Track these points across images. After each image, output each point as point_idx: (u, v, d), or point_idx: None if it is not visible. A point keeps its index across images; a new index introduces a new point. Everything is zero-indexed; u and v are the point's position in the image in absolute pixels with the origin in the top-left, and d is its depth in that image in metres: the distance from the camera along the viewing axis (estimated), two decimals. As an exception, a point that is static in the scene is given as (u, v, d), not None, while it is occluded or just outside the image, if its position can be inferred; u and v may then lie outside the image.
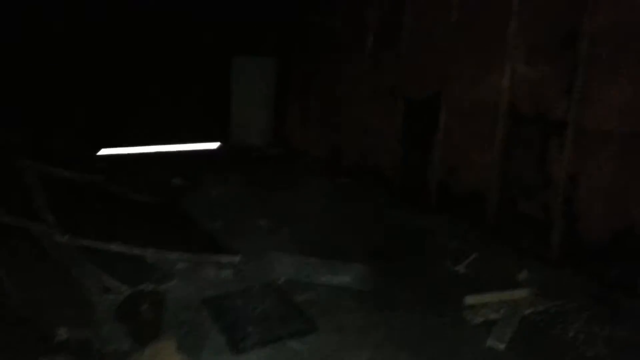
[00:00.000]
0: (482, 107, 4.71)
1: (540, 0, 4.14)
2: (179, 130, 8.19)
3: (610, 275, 3.65)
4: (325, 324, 3.24)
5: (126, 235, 4.16)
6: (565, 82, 3.96)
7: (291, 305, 3.45)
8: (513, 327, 3.23)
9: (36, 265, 3.71)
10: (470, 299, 3.53)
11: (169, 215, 5.11)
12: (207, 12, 7.98)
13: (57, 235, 3.99)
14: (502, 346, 3.06)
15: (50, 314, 3.09)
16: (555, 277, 3.87)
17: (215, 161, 7.80)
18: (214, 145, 8.65)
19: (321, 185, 6.48)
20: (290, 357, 2.93)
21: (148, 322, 3.12)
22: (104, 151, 7.55)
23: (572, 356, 2.99)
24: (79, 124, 7.19)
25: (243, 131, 8.72)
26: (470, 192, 4.90)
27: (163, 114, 7.96)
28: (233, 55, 8.42)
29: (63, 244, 3.92)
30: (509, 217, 4.51)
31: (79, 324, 3.04)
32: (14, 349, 2.77)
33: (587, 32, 3.75)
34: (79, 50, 7.05)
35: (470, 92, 4.85)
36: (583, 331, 3.21)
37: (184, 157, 7.99)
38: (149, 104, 7.81)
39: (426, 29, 5.34)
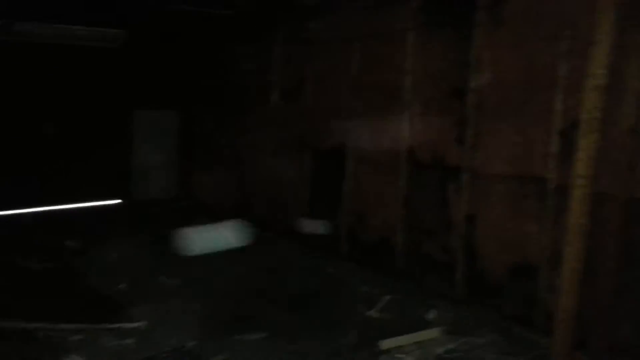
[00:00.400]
0: (385, 156, 4.94)
1: (430, 60, 4.51)
2: (76, 188, 7.65)
3: (510, 308, 3.88)
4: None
5: (14, 308, 3.75)
6: (458, 131, 4.29)
7: (204, 369, 3.25)
8: (428, 369, 3.30)
9: None
10: (385, 344, 3.56)
11: (64, 282, 4.68)
12: (107, 64, 7.73)
13: None
14: (419, 389, 3.09)
15: None
16: (462, 314, 4.04)
17: (116, 219, 7.35)
18: (114, 202, 8.18)
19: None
20: None
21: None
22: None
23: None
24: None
25: (145, 185, 8.37)
26: (379, 237, 5.04)
27: (58, 170, 7.43)
28: (134, 109, 8.17)
29: None
30: (415, 259, 4.68)
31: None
32: None
33: (474, 88, 4.13)
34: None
35: (373, 142, 5.08)
36: (492, 365, 3.36)
37: (81, 216, 7.45)
38: (42, 160, 7.26)
39: (329, 83, 5.58)
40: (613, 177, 3.18)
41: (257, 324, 3.88)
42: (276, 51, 6.31)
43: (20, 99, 6.98)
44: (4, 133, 6.88)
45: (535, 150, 3.76)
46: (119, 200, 8.20)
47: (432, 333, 3.72)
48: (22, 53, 6.81)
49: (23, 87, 6.96)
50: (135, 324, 3.80)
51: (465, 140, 4.22)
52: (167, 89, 8.32)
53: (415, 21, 4.61)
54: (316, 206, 5.83)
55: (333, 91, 5.53)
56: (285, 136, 6.25)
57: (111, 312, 4.00)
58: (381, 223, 5.01)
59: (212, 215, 7.29)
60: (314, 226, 5.73)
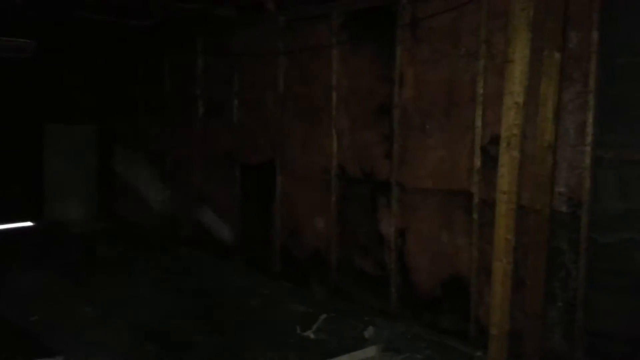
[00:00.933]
0: (315, 171, 4.91)
1: (355, 76, 4.52)
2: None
3: (446, 323, 3.95)
4: None
5: None
6: (385, 146, 4.33)
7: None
8: (367, 390, 3.27)
9: None
10: (323, 366, 3.51)
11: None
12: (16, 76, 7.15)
13: None
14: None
15: None
16: (399, 330, 4.05)
17: (28, 243, 6.79)
18: (26, 224, 7.56)
19: (157, 259, 6.05)
20: None
21: None
22: None
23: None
24: None
25: (61, 205, 7.82)
26: (312, 254, 4.99)
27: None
28: (45, 122, 7.61)
29: None
30: (350, 276, 4.67)
31: None
32: None
33: (398, 104, 4.19)
34: None
35: (303, 157, 5.03)
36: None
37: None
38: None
39: (256, 97, 5.47)
40: (535, 191, 3.32)
41: (190, 351, 3.71)
42: (199, 64, 6.11)
43: None
44: None
45: (460, 165, 3.86)
46: (31, 223, 7.60)
47: (369, 352, 3.71)
48: None
49: None
50: (54, 359, 3.51)
51: (393, 154, 4.27)
52: (85, 102, 7.86)
53: (339, 38, 4.62)
54: (248, 223, 5.69)
55: (260, 105, 5.42)
56: (214, 152, 6.06)
57: (26, 346, 3.68)
58: (314, 240, 4.96)
59: (134, 236, 6.95)
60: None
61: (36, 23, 5.74)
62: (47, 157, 7.73)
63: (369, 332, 4.02)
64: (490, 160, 3.65)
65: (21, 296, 4.69)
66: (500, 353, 3.16)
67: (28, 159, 7.56)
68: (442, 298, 3.97)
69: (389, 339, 3.90)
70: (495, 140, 3.61)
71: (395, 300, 4.28)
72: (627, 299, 3.14)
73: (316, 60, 4.82)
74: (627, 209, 3.14)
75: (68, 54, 7.37)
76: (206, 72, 6.07)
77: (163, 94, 6.68)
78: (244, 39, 5.53)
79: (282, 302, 4.71)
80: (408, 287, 4.22)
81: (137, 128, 7.28)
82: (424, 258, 4.11)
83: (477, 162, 3.74)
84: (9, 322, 4.12)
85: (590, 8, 3.18)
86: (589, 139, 3.24)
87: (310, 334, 4.08)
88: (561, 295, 3.32)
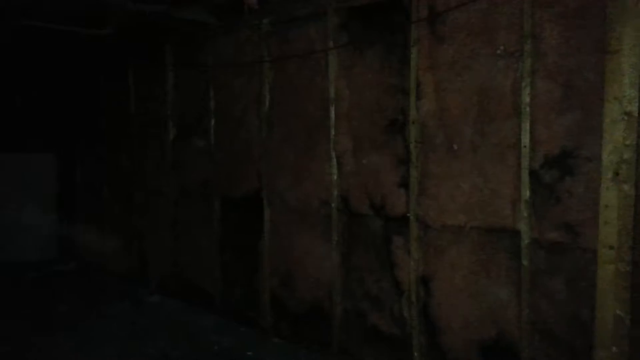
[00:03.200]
0: (312, 204, 4.01)
1: (359, 87, 3.67)
2: None
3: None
4: None
5: None
6: (400, 172, 3.47)
7: None
8: None
9: None
10: None
11: None
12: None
13: None
14: None
15: None
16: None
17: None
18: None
19: (122, 311, 5.05)
20: None
21: None
22: None
23: None
24: None
25: (14, 245, 6.81)
26: (311, 305, 4.06)
27: None
28: (-6, 153, 6.68)
29: None
30: (359, 334, 3.75)
31: None
32: None
33: (415, 119, 3.34)
34: None
35: (296, 187, 4.13)
36: None
37: None
38: None
39: (237, 116, 4.58)
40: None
41: None
42: (169, 78, 5.23)
43: None
44: None
45: (501, 195, 3.01)
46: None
47: None
48: None
49: None
50: None
51: (410, 183, 3.40)
52: (41, 127, 6.93)
53: (337, 40, 3.77)
54: (230, 267, 4.75)
55: (243, 126, 4.54)
56: (188, 182, 5.14)
57: None
58: (314, 288, 4.04)
59: (97, 282, 5.97)
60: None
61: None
62: None
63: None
64: (545, 189, 2.81)
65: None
66: None
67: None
68: (488, 370, 3.08)
69: None
70: (552, 162, 2.78)
71: (421, 369, 3.37)
72: None
73: (310, 69, 3.97)
74: None
75: (21, 71, 6.46)
76: (177, 87, 5.20)
77: (128, 115, 5.77)
78: (221, 47, 4.67)
79: (274, 369, 3.78)
80: (436, 351, 3.31)
81: (99, 155, 6.35)
82: (456, 314, 3.21)
83: (526, 192, 2.88)
84: None
85: None
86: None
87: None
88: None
